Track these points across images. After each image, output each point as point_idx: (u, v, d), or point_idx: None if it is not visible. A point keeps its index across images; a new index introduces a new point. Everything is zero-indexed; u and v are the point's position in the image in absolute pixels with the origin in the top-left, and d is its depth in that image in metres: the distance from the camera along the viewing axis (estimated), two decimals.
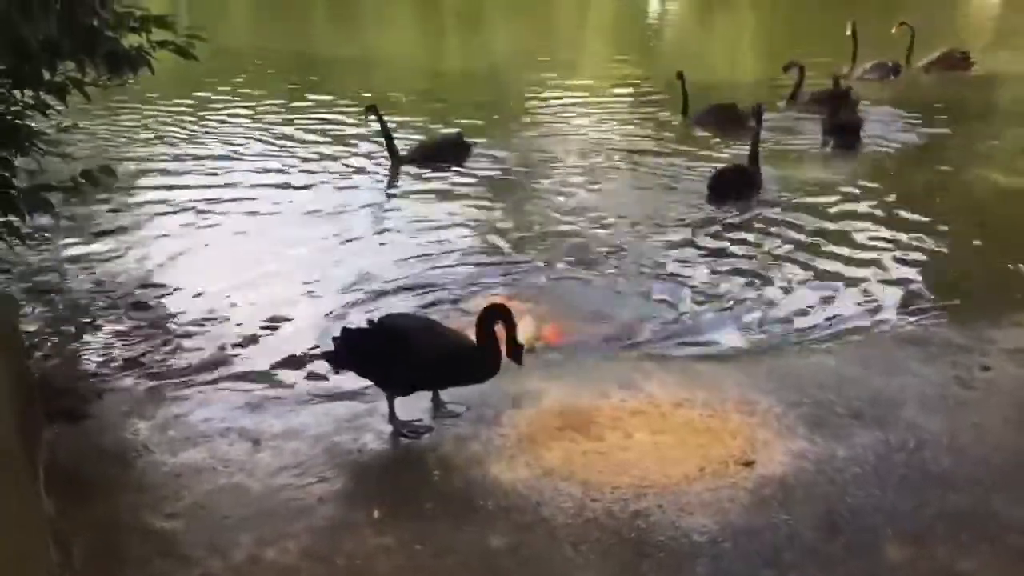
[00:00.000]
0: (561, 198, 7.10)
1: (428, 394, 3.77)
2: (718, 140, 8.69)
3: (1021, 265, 5.41)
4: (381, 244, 6.17)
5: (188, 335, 4.76)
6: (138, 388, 4.17)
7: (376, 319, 3.78)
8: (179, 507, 3.18)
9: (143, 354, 4.54)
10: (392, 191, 7.51)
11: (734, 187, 6.92)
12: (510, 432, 3.62)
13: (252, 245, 6.13)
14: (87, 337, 4.74)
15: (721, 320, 5.00)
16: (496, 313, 3.56)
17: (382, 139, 7.96)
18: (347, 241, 6.19)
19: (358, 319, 4.45)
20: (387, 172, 7.88)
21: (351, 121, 9.30)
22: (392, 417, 3.65)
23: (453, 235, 6.30)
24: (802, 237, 6.06)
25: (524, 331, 4.69)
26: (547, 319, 4.97)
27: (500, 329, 3.58)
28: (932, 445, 3.43)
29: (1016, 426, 3.57)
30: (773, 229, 6.24)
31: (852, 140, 8.53)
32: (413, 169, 7.83)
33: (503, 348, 3.59)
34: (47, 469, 3.39)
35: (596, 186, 7.44)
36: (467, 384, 3.69)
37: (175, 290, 5.36)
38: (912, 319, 4.86)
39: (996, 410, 3.69)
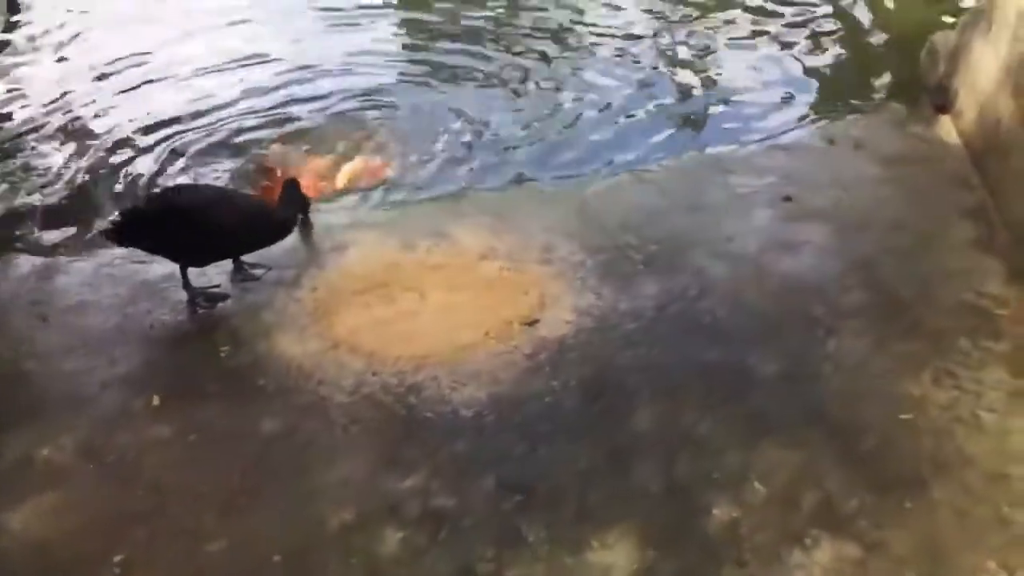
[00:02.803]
0: None
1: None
2: None
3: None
4: None
5: None
6: None
7: (160, 194, 3.65)
8: None
9: None
10: None
11: None
12: (307, 298, 3.62)
13: None
14: None
15: (559, 144, 4.93)
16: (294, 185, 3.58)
17: None
18: None
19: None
20: None
21: None
22: (186, 285, 3.60)
23: None
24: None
25: (347, 168, 4.60)
26: (378, 151, 4.86)
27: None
28: (712, 293, 3.53)
29: (795, 267, 3.67)
30: None
31: None
32: None
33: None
34: None
35: None
36: (264, 247, 3.65)
37: None
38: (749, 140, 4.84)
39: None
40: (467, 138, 4.99)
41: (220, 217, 3.41)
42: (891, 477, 2.71)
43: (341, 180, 4.61)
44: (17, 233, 4.28)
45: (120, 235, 3.50)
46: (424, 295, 3.58)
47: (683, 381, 3.12)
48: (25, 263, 3.94)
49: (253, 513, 2.70)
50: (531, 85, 5.42)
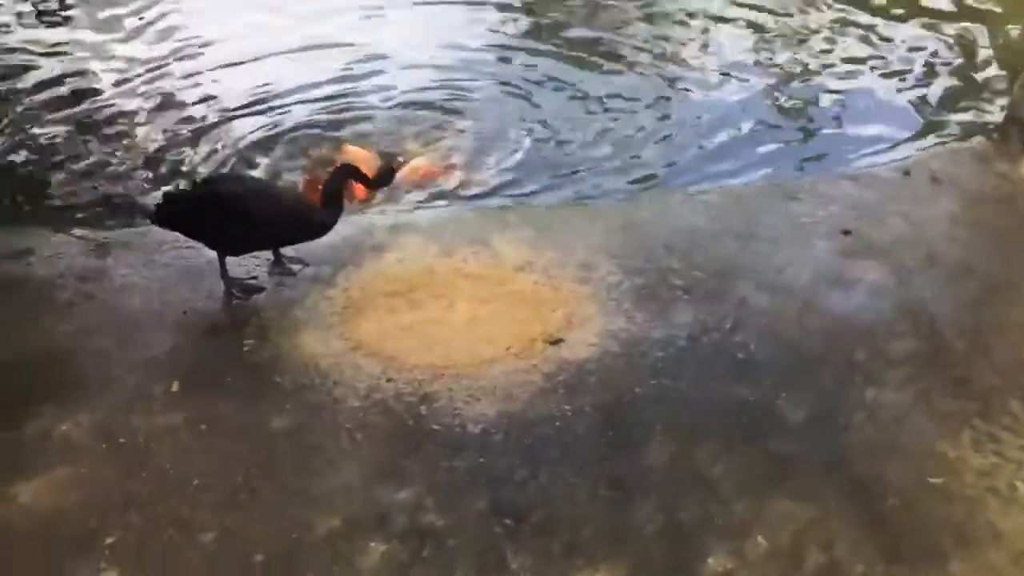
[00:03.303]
0: None
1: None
2: None
3: None
4: None
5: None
6: None
7: (202, 181, 3.71)
8: None
9: None
10: None
11: None
12: (339, 297, 3.62)
13: None
14: None
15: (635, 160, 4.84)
16: (346, 171, 3.60)
17: None
18: None
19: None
20: None
21: None
22: (223, 275, 3.65)
23: None
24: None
25: (408, 168, 4.61)
26: (446, 154, 4.85)
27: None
28: (750, 327, 3.38)
29: (843, 306, 3.48)
30: None
31: None
32: None
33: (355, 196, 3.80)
34: None
35: None
36: (301, 242, 3.66)
37: None
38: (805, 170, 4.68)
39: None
40: (542, 148, 4.92)
41: (256, 209, 3.43)
42: (908, 546, 2.54)
43: (400, 180, 4.60)
44: (80, 212, 4.40)
45: (161, 218, 3.57)
46: (453, 304, 3.53)
47: (704, 418, 2.99)
48: (79, 241, 4.05)
49: (247, 510, 2.70)
50: (619, 101, 5.29)
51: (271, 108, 5.24)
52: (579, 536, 2.59)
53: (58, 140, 4.99)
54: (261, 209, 3.45)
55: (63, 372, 3.29)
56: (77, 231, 4.16)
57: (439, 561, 2.52)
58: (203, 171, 4.65)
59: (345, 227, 4.03)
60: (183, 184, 4.35)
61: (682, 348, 3.29)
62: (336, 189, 3.53)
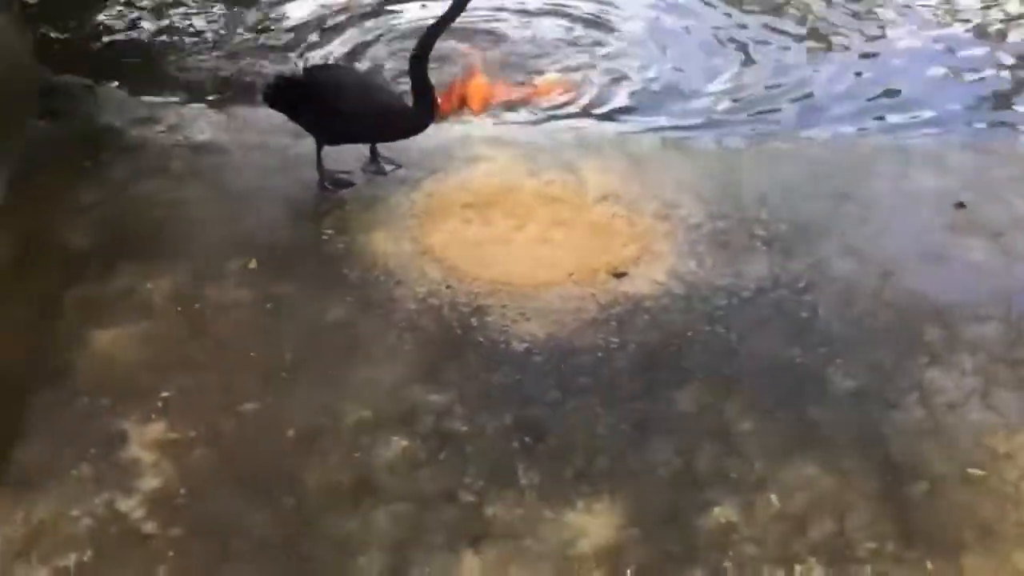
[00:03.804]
0: None
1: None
2: None
3: None
4: None
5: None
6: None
7: (310, 68, 3.84)
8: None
9: None
10: None
11: None
12: (420, 201, 3.71)
13: None
14: None
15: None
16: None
17: None
18: None
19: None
20: None
21: None
22: (319, 164, 3.79)
23: None
24: None
25: (504, 87, 4.61)
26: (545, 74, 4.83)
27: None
28: (822, 289, 3.27)
29: (931, 282, 3.30)
30: None
31: None
32: None
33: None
34: None
35: None
36: (392, 140, 3.75)
37: None
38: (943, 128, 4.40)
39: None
40: (678, 80, 4.81)
41: (349, 99, 3.53)
42: (924, 531, 2.45)
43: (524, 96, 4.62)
44: (210, 88, 4.63)
45: (269, 99, 3.73)
46: (525, 224, 3.56)
47: (746, 373, 2.94)
48: (203, 115, 4.27)
49: (289, 387, 2.87)
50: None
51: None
52: (592, 465, 2.63)
53: (199, 20, 5.23)
54: (353, 100, 3.55)
55: (158, 236, 3.52)
56: (201, 106, 4.39)
57: (453, 464, 2.62)
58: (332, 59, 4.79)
59: (444, 134, 4.13)
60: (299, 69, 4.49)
61: (745, 300, 3.22)
62: (426, 89, 3.54)
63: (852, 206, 3.70)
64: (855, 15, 5.33)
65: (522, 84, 4.68)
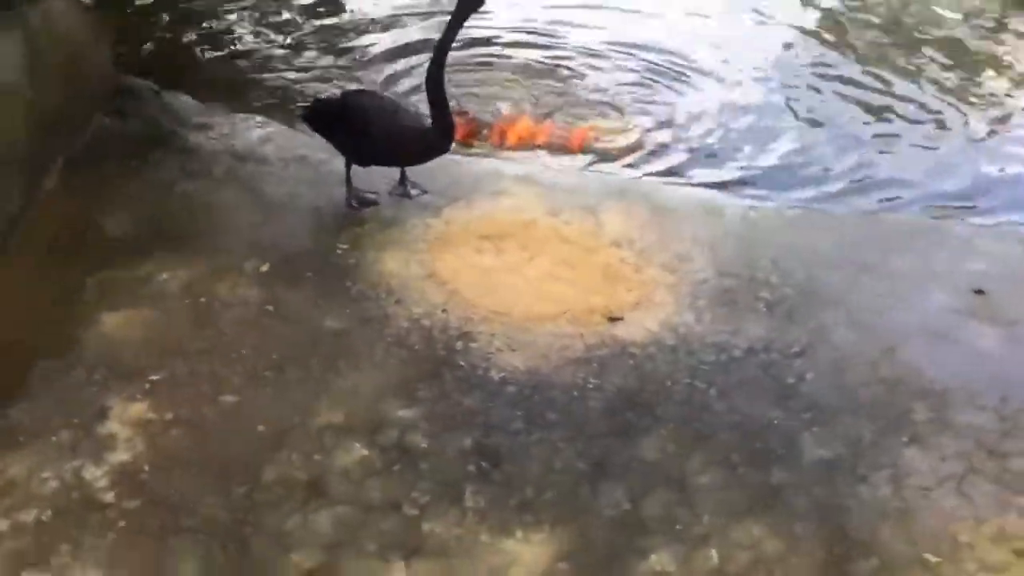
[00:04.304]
0: None
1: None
2: None
3: None
4: None
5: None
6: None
7: (345, 92, 4.03)
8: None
9: None
10: None
11: None
12: (437, 227, 3.82)
13: None
14: None
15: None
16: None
17: None
18: None
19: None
20: None
21: None
22: (347, 182, 3.95)
23: None
24: None
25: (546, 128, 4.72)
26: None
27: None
28: (816, 357, 3.23)
29: (932, 364, 3.22)
30: None
31: None
32: None
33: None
34: None
35: None
36: (415, 163, 3.88)
37: None
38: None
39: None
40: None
41: (373, 124, 3.68)
42: None
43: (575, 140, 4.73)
44: (265, 101, 4.89)
45: (307, 119, 3.93)
46: (534, 259, 3.63)
47: (718, 428, 2.92)
48: (255, 127, 4.49)
49: (271, 385, 2.98)
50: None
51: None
52: (540, 497, 2.65)
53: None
54: (379, 123, 3.70)
55: (186, 232, 3.71)
56: (256, 117, 4.62)
57: (404, 478, 2.68)
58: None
59: (475, 167, 4.26)
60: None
61: (734, 358, 3.21)
62: (442, 108, 3.64)
63: (869, 279, 3.65)
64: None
65: (567, 127, 4.76)
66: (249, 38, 5.62)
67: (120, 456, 2.70)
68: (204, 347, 3.13)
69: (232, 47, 5.51)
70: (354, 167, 3.94)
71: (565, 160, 4.71)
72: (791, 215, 4.14)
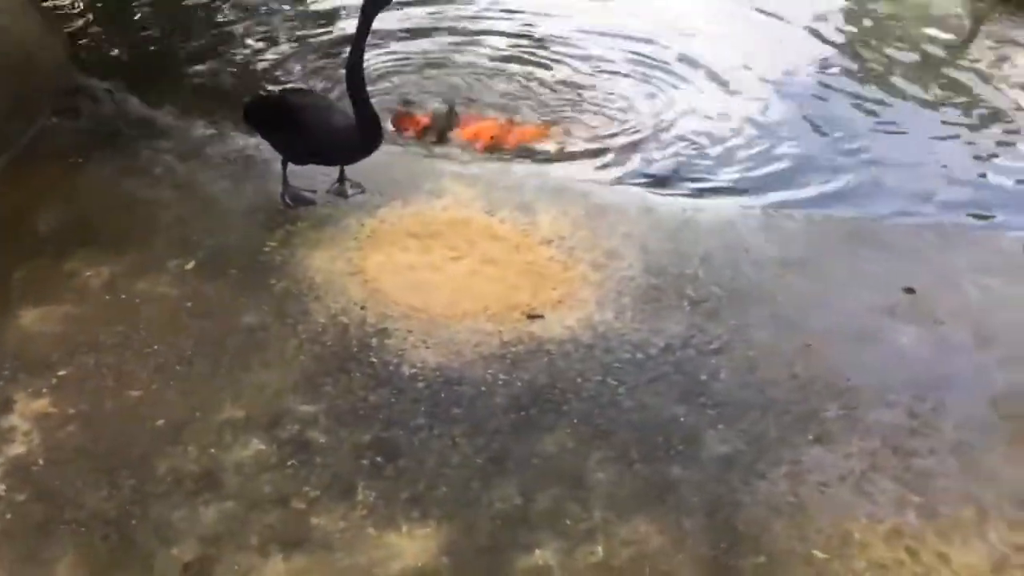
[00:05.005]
0: None
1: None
2: None
3: None
4: None
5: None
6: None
7: (281, 90, 4.04)
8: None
9: None
10: None
11: None
12: (369, 226, 3.82)
13: None
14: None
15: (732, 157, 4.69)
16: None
17: None
18: None
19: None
20: None
21: None
22: (283, 181, 3.96)
23: None
24: None
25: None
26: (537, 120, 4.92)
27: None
28: (732, 354, 3.21)
29: (849, 362, 3.20)
30: None
31: None
32: None
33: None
34: None
35: None
36: (345, 162, 3.89)
37: None
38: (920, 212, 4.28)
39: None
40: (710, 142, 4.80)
41: (303, 122, 3.69)
42: None
43: (509, 138, 4.70)
44: (210, 101, 4.90)
45: (246, 117, 3.95)
46: (461, 256, 3.63)
47: (622, 424, 2.91)
48: (202, 127, 4.50)
49: (178, 380, 2.99)
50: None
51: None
52: (431, 492, 2.65)
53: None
54: (310, 122, 3.71)
55: (118, 230, 3.73)
56: (203, 118, 4.64)
57: (298, 472, 2.68)
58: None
59: (418, 166, 4.26)
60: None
61: (649, 355, 3.20)
62: (364, 106, 3.64)
63: (797, 279, 3.62)
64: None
65: (508, 124, 4.75)
66: (241, 48, 5.55)
67: (16, 449, 2.72)
68: (117, 342, 3.14)
69: (218, 55, 5.45)
70: (292, 166, 3.94)
71: (515, 161, 4.69)
72: (730, 215, 4.11)
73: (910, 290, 3.57)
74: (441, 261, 3.62)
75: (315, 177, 4.04)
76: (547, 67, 5.37)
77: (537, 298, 3.44)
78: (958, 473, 2.77)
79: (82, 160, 4.15)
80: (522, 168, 4.48)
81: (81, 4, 5.74)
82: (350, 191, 4.01)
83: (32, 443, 2.73)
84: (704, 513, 2.61)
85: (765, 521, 2.60)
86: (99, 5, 5.80)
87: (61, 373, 3.00)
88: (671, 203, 4.17)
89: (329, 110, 3.86)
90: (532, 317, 3.34)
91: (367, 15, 3.54)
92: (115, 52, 5.43)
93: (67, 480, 2.63)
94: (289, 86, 4.85)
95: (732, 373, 3.13)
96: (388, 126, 4.62)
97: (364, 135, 3.64)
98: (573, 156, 4.75)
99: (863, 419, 2.97)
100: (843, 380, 3.12)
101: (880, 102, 5.16)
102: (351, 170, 4.02)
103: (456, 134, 4.66)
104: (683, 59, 5.46)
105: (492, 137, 4.60)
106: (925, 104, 5.18)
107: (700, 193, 4.44)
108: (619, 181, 4.51)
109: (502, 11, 5.94)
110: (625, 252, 3.70)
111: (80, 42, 5.33)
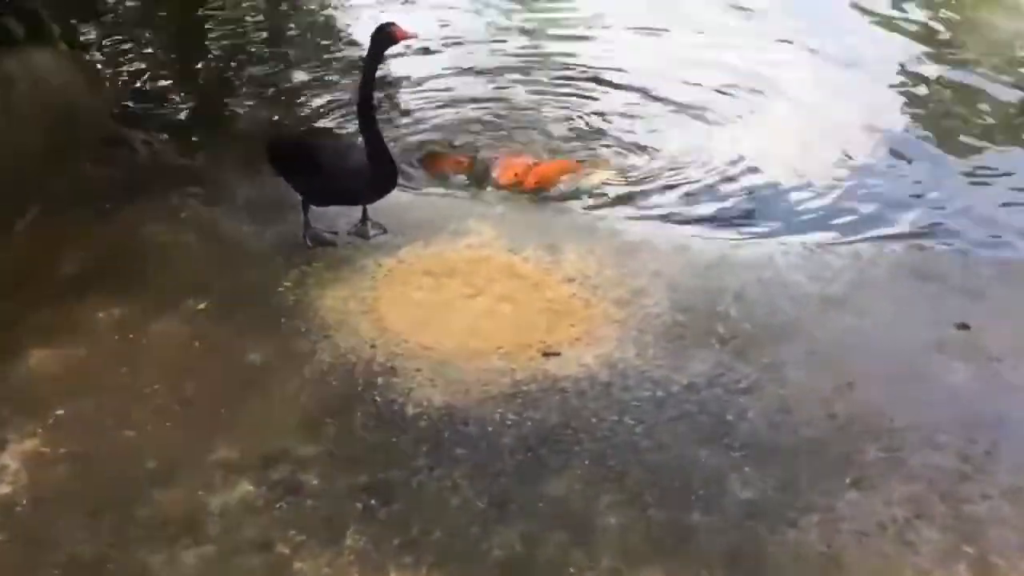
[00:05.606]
0: None
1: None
2: None
3: None
4: None
5: None
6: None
7: (301, 132, 4.00)
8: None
9: None
10: None
11: None
12: (387, 266, 3.70)
13: None
14: None
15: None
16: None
17: None
18: None
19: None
20: None
21: None
22: (304, 221, 3.90)
23: None
24: None
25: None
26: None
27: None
28: (763, 394, 2.98)
29: (894, 402, 2.93)
30: None
31: None
32: None
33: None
34: None
35: None
36: (363, 202, 3.82)
37: None
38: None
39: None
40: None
41: (322, 163, 3.64)
42: None
43: (532, 177, 4.58)
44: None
45: (269, 158, 3.92)
46: (478, 295, 3.48)
47: (637, 467, 2.69)
48: (232, 173, 4.50)
49: (175, 420, 2.89)
50: None
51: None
52: (425, 536, 2.46)
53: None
54: (327, 163, 3.66)
55: (137, 273, 3.69)
56: (231, 166, 4.64)
57: (286, 516, 2.53)
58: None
59: (443, 207, 4.16)
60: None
61: (671, 394, 2.98)
62: (377, 144, 3.58)
63: (838, 314, 3.38)
64: None
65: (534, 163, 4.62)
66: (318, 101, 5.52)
67: (2, 490, 2.62)
68: (119, 383, 3.06)
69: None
70: (315, 208, 3.88)
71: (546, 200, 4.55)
72: (768, 250, 3.88)
73: (964, 326, 3.29)
74: (455, 299, 3.48)
75: (338, 219, 3.96)
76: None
77: (553, 335, 3.26)
78: (1014, 521, 2.46)
79: (110, 207, 4.15)
80: (553, 206, 4.34)
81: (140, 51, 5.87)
82: (372, 232, 3.92)
83: (18, 483, 2.64)
84: (725, 564, 2.37)
85: (794, 574, 2.33)
86: (156, 54, 5.92)
87: (58, 413, 2.92)
88: (707, 241, 3.97)
89: (348, 150, 3.80)
90: (548, 355, 3.16)
91: (374, 53, 3.49)
92: (162, 101, 5.50)
93: (48, 521, 2.52)
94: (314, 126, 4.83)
95: (762, 413, 2.89)
96: (407, 168, 4.53)
97: (375, 172, 3.56)
98: (608, 197, 4.59)
99: (907, 462, 2.69)
100: (886, 420, 2.85)
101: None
102: (375, 211, 3.93)
103: (494, 181, 4.52)
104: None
105: (529, 177, 4.47)
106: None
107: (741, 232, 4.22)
108: (659, 219, 4.32)
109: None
110: (652, 290, 3.51)
111: (130, 88, 5.43)
